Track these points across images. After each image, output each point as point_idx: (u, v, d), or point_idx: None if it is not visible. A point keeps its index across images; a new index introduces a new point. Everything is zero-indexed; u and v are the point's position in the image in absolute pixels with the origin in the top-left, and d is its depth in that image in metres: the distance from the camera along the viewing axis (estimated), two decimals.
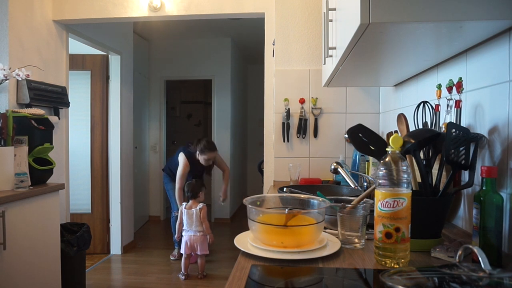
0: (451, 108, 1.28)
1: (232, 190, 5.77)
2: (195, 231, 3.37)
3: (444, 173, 1.13)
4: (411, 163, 1.29)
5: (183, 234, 3.43)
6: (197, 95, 7.46)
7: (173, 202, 3.88)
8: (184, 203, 3.48)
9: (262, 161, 2.91)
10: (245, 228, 1.09)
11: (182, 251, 3.40)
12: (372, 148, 1.22)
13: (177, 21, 4.28)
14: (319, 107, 2.50)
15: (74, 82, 3.56)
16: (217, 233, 5.11)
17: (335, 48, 1.49)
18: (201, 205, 3.41)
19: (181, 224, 3.44)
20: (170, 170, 3.96)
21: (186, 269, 3.44)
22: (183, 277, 3.41)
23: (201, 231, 3.38)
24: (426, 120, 1.43)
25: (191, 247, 3.37)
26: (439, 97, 1.39)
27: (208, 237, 3.42)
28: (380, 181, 0.90)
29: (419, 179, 1.14)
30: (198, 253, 3.37)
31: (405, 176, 0.89)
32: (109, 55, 3.98)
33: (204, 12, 2.92)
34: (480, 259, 0.74)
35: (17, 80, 2.55)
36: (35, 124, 2.37)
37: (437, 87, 1.40)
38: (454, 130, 1.06)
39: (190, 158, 3.76)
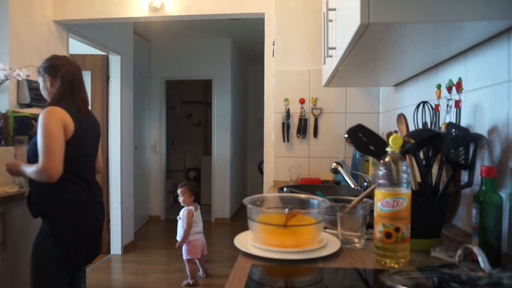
0: (450, 108, 1.28)
1: (232, 190, 5.77)
2: (202, 232, 3.34)
3: (444, 173, 1.14)
4: (411, 163, 1.29)
5: (196, 237, 3.23)
6: (197, 95, 7.46)
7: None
8: (191, 207, 3.27)
9: (262, 161, 2.91)
10: (245, 228, 1.09)
11: (192, 255, 3.21)
12: (372, 148, 1.22)
13: (177, 21, 4.28)
14: (319, 107, 2.50)
15: None
16: (217, 233, 5.11)
17: (335, 48, 1.50)
18: (197, 205, 3.38)
19: (190, 227, 3.21)
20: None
21: (195, 275, 3.28)
22: (203, 275, 3.39)
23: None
24: (426, 120, 1.43)
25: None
26: (439, 97, 1.39)
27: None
28: (380, 181, 0.90)
29: (419, 179, 1.14)
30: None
31: (405, 176, 0.89)
32: (109, 55, 3.98)
33: (204, 12, 2.92)
34: (479, 258, 0.74)
35: (18, 80, 2.54)
36: (36, 124, 2.36)
37: (437, 87, 1.40)
38: (454, 130, 1.06)
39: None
